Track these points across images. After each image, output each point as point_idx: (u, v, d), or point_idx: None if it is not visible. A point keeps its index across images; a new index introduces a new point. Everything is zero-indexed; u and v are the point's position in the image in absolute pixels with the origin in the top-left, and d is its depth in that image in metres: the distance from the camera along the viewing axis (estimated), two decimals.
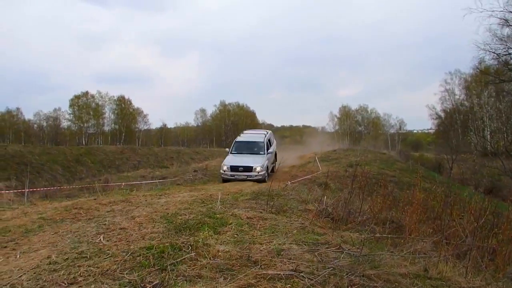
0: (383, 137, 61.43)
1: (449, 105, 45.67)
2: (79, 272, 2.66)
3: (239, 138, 15.48)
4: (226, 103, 65.74)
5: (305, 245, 3.48)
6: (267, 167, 13.18)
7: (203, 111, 64.12)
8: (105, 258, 2.93)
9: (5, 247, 3.49)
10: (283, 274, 2.64)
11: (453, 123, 43.99)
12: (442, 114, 46.21)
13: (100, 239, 3.45)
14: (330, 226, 4.60)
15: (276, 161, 15.06)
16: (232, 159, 13.53)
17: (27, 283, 2.54)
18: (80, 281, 2.53)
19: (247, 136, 15.75)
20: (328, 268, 2.83)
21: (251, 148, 14.24)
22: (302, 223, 4.47)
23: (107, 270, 2.69)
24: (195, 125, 63.85)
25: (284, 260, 2.96)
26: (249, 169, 12.64)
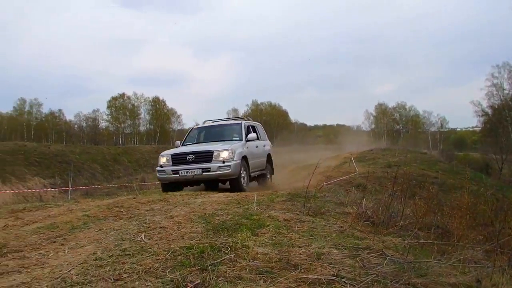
0: (423, 136, 59.43)
1: (497, 101, 43.27)
2: (123, 269, 2.77)
3: (198, 126, 10.58)
4: (258, 102, 66.14)
5: (345, 249, 3.43)
6: (245, 162, 8.25)
7: (235, 110, 64.72)
8: (147, 256, 3.03)
9: (54, 242, 3.69)
10: (324, 279, 2.63)
11: (502, 120, 41.53)
12: (489, 111, 43.89)
13: (142, 237, 3.58)
14: (370, 230, 4.51)
15: (271, 171, 10.45)
16: (179, 148, 8.90)
17: (76, 277, 2.67)
18: (125, 277, 2.64)
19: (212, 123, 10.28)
20: (371, 274, 2.78)
21: (218, 134, 9.21)
22: (341, 227, 4.42)
23: (150, 268, 2.78)
24: None
25: (325, 264, 2.94)
26: (206, 156, 7.72)
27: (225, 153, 7.78)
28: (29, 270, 2.92)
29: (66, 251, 3.36)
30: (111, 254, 3.13)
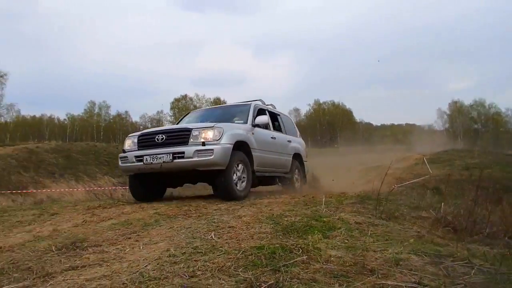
0: (507, 136, 54.93)
1: None
2: (197, 266, 2.89)
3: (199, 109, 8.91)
4: (321, 101, 65.57)
5: (425, 256, 3.27)
6: (244, 153, 6.24)
7: (296, 110, 65.01)
8: (218, 255, 3.13)
9: (129, 238, 3.95)
10: (405, 286, 2.52)
11: None
12: None
13: (212, 236, 3.71)
14: (452, 236, 4.25)
15: (302, 176, 8.63)
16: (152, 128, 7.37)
17: (153, 273, 2.82)
18: (199, 274, 2.74)
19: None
20: (458, 284, 2.61)
21: (219, 117, 7.23)
22: (418, 232, 4.22)
23: (222, 266, 2.87)
24: None
25: (404, 271, 2.82)
26: (180, 136, 5.85)
27: (209, 132, 5.70)
28: (108, 264, 3.13)
29: (141, 247, 3.56)
30: (183, 251, 3.28)
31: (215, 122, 6.60)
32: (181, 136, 5.85)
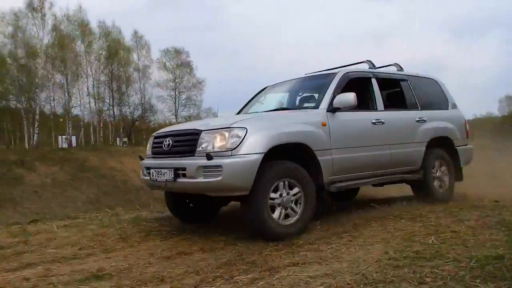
0: None
1: None
2: (424, 273, 2.81)
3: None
4: None
5: None
6: (296, 162, 4.19)
7: (509, 98, 55.52)
8: (447, 262, 2.99)
9: (342, 237, 4.10)
10: None
11: None
12: None
13: (433, 240, 3.55)
14: None
15: (451, 173, 5.88)
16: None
17: (376, 275, 2.88)
18: (429, 282, 2.67)
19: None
20: None
21: (295, 94, 5.59)
22: None
23: (455, 275, 2.73)
24: (499, 115, 56.39)
25: None
26: (186, 142, 4.16)
27: (223, 135, 3.92)
28: (327, 263, 3.29)
29: (356, 248, 3.66)
30: (404, 255, 3.24)
31: (288, 105, 5.32)
32: (187, 142, 4.19)
